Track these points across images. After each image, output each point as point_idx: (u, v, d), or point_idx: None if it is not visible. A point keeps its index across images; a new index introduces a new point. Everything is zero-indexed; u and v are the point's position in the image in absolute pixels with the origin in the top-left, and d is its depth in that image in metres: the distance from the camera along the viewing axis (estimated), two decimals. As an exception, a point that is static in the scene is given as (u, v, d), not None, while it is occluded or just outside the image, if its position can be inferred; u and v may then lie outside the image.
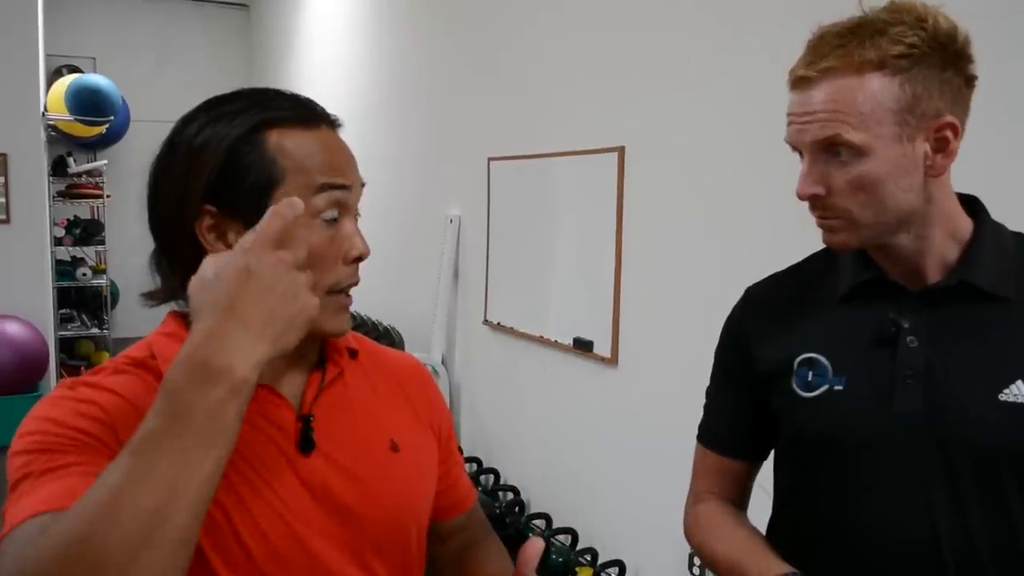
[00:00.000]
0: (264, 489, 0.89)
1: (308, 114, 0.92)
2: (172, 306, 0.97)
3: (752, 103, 2.36)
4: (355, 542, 0.93)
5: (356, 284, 0.94)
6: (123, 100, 6.65)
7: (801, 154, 1.01)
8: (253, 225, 0.83)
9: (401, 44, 4.99)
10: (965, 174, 1.09)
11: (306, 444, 0.92)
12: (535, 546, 0.89)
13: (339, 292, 0.92)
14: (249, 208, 0.86)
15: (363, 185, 0.95)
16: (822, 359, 1.06)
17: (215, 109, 0.91)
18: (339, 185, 0.90)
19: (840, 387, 1.04)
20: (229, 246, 0.87)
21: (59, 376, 5.57)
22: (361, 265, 0.95)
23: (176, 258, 0.91)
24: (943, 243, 1.02)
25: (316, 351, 0.99)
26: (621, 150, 2.99)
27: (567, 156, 3.31)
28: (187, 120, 0.91)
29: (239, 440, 0.87)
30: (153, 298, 0.95)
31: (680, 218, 2.76)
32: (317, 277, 0.86)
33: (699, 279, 2.63)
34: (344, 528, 0.92)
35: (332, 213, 0.90)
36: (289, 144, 0.89)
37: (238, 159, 0.87)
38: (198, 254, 0.87)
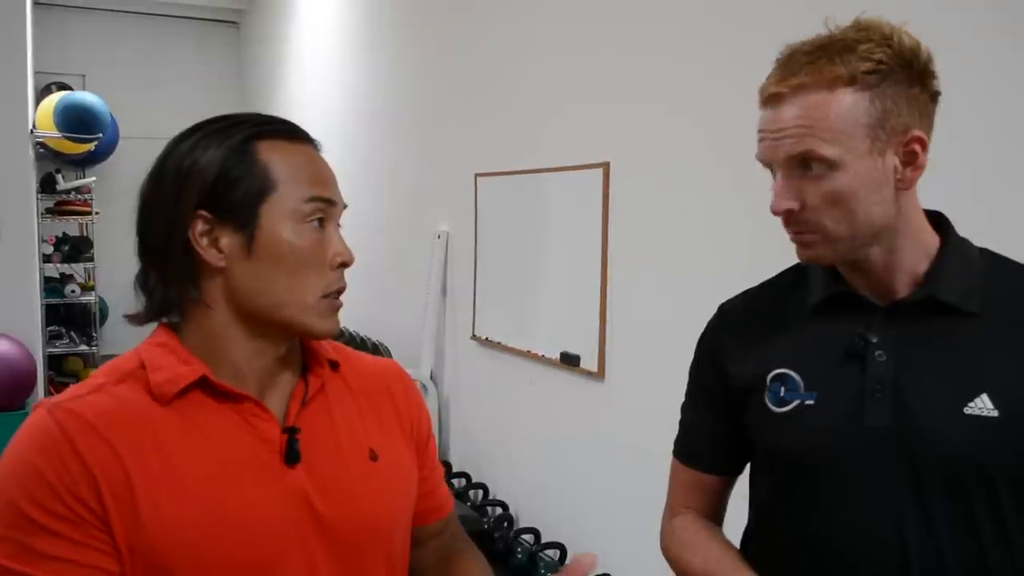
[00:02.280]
0: (249, 501, 0.90)
1: (294, 132, 0.98)
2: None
3: (735, 120, 2.37)
4: (337, 553, 0.95)
5: (344, 289, 0.98)
6: (112, 117, 6.65)
7: (773, 170, 1.03)
8: (244, 229, 0.91)
9: (390, 62, 5.01)
10: (932, 190, 1.11)
11: (291, 456, 0.94)
12: (588, 561, 0.93)
13: (330, 295, 0.96)
14: (242, 214, 0.91)
15: (345, 207, 1.00)
16: (794, 374, 1.07)
17: (207, 127, 0.95)
18: (326, 199, 0.95)
19: (811, 402, 1.05)
20: (221, 251, 0.92)
21: (47, 393, 5.54)
22: (349, 280, 0.99)
23: (168, 269, 0.93)
24: (912, 258, 1.04)
25: (299, 363, 1.02)
26: (606, 166, 3.01)
27: (553, 172, 3.33)
28: (180, 139, 0.95)
29: (225, 451, 0.90)
30: (136, 321, 0.97)
31: (665, 233, 2.77)
32: (307, 279, 0.93)
33: (684, 293, 2.64)
34: (326, 539, 0.94)
35: (319, 216, 0.94)
36: (279, 155, 0.94)
37: (231, 168, 0.92)
38: (190, 261, 0.92)
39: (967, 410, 0.98)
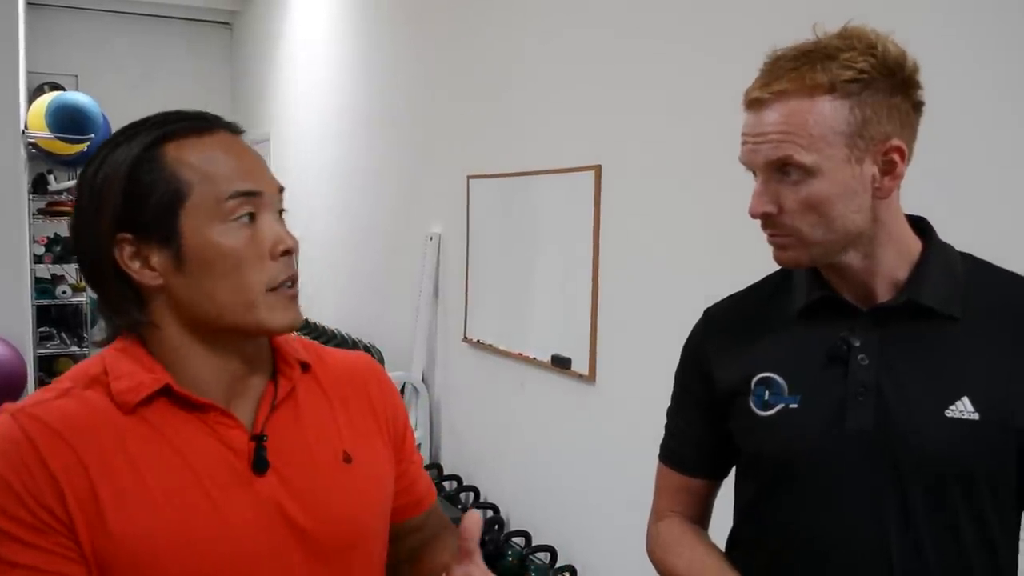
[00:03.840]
0: (218, 511, 0.88)
1: (203, 122, 0.91)
2: None
3: (727, 123, 2.37)
4: (315, 559, 0.93)
5: (295, 277, 0.93)
6: (105, 118, 6.63)
7: (755, 174, 1.04)
8: (169, 244, 0.86)
9: (381, 63, 5.01)
10: (915, 195, 1.11)
11: (259, 464, 0.91)
12: (473, 518, 0.90)
13: (278, 287, 0.91)
14: (161, 227, 0.87)
15: (281, 189, 0.94)
16: (778, 378, 1.08)
17: (113, 140, 0.91)
18: (249, 192, 0.89)
19: (795, 405, 1.06)
20: (153, 268, 0.88)
21: (38, 394, 5.50)
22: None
23: (108, 296, 0.90)
24: (892, 263, 1.04)
25: (268, 366, 0.98)
26: (598, 168, 3.01)
27: (545, 174, 3.33)
28: (91, 159, 0.91)
29: (193, 461, 0.88)
30: (99, 342, 0.95)
31: (657, 236, 2.78)
32: (247, 277, 0.88)
33: (676, 296, 2.64)
34: (300, 547, 0.92)
35: (246, 210, 0.89)
36: (189, 155, 0.88)
37: (139, 180, 0.87)
38: (127, 287, 0.88)
39: (948, 413, 0.99)
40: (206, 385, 0.92)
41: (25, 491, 0.82)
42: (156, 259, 0.88)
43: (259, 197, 0.90)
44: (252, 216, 0.89)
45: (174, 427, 0.89)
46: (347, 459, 0.98)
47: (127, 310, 0.89)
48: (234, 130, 0.94)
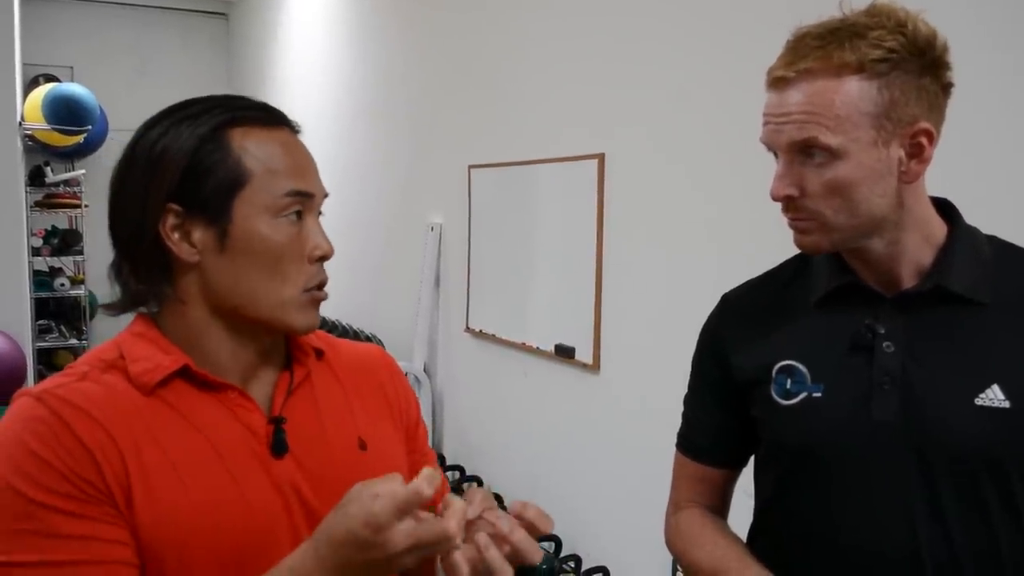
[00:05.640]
0: (241, 491, 0.88)
1: (270, 116, 0.93)
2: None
3: (731, 109, 2.36)
4: None
5: (326, 282, 0.95)
6: (101, 109, 6.59)
7: (776, 154, 1.01)
8: (216, 224, 0.86)
9: (380, 52, 4.98)
10: (942, 178, 1.09)
11: (278, 447, 0.92)
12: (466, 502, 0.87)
13: (310, 290, 0.93)
14: (214, 208, 0.88)
15: (326, 195, 0.96)
16: (800, 366, 1.06)
17: (178, 113, 0.91)
18: (304, 192, 0.91)
19: (818, 394, 1.04)
20: (193, 244, 0.88)
21: (37, 388, 5.49)
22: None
23: (139, 263, 0.90)
24: (917, 248, 1.02)
25: (283, 353, 0.99)
26: (601, 157, 2.99)
27: (547, 163, 3.31)
28: (149, 125, 0.91)
29: (215, 440, 0.88)
30: (112, 310, 0.95)
31: (660, 225, 2.76)
32: (285, 274, 0.89)
33: (680, 285, 2.63)
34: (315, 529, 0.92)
35: (296, 208, 0.91)
36: (253, 144, 0.89)
37: (202, 159, 0.88)
38: (162, 256, 0.89)
39: (978, 401, 0.97)
40: (223, 367, 0.93)
41: (64, 466, 0.81)
42: (199, 236, 0.88)
43: (310, 199, 0.93)
44: (299, 215, 0.91)
45: (194, 407, 0.90)
46: (362, 446, 0.99)
47: (156, 280, 0.90)
48: (295, 129, 0.96)
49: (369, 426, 1.02)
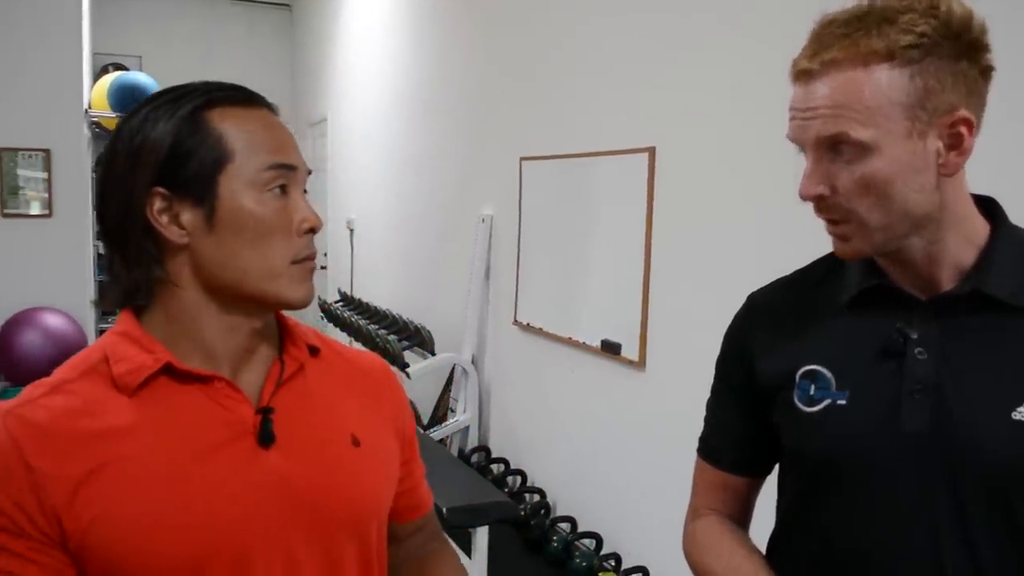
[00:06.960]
0: (218, 484, 0.88)
1: (248, 97, 0.94)
2: None
3: (781, 109, 2.28)
4: (316, 538, 0.93)
5: (315, 255, 0.96)
6: (166, 98, 6.74)
7: (804, 151, 0.95)
8: (203, 204, 0.88)
9: (437, 46, 4.98)
10: (982, 173, 1.02)
11: (265, 437, 0.91)
12: None
13: (300, 261, 0.93)
14: (200, 187, 0.88)
15: (309, 172, 0.97)
16: (825, 371, 0.99)
17: (155, 100, 0.92)
18: (287, 165, 0.92)
19: (843, 402, 0.97)
20: (183, 227, 0.89)
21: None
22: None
23: (129, 251, 0.90)
24: (958, 248, 0.95)
25: (276, 344, 0.99)
26: (652, 150, 2.93)
27: (598, 156, 3.26)
28: (130, 116, 0.92)
29: (196, 437, 0.88)
30: (106, 306, 0.96)
31: (711, 220, 2.69)
32: (274, 247, 0.90)
33: (730, 284, 2.55)
34: (302, 523, 0.92)
35: (280, 182, 0.91)
36: (233, 123, 0.90)
37: (184, 140, 0.89)
38: (152, 242, 0.89)
39: (1015, 415, 0.89)
40: (214, 355, 0.93)
41: (7, 499, 0.83)
42: (187, 217, 0.89)
43: (293, 172, 0.93)
44: (284, 189, 0.92)
45: (176, 405, 0.90)
46: (355, 442, 0.98)
47: (147, 264, 0.90)
48: (273, 110, 0.97)
49: (363, 424, 1.01)
